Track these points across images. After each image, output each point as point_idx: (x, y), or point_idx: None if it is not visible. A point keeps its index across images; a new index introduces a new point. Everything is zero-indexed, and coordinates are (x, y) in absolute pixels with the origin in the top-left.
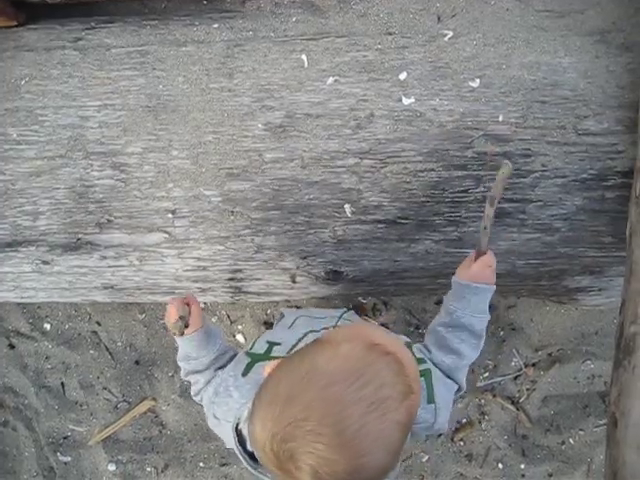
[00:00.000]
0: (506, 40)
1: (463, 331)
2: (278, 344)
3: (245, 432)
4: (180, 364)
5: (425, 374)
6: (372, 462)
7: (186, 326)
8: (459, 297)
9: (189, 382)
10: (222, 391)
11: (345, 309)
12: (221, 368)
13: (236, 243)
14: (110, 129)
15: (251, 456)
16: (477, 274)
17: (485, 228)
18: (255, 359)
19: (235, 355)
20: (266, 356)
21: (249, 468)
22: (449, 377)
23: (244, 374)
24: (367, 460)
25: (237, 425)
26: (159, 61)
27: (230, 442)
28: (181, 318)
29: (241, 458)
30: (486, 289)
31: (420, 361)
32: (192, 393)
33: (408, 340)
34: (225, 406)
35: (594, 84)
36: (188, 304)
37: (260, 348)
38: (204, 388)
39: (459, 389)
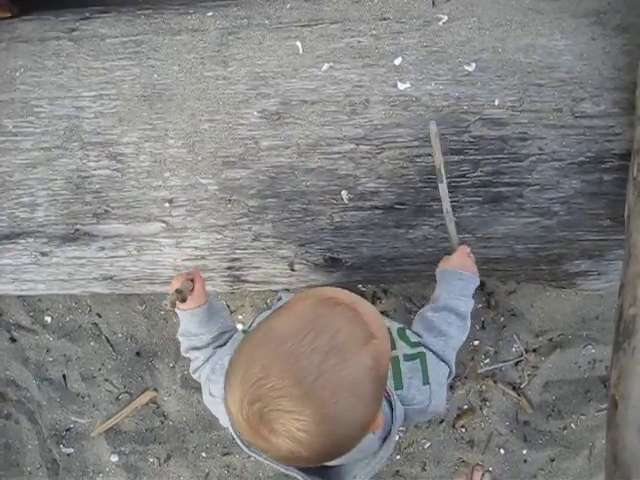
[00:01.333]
0: (501, 23)
1: (450, 313)
2: None
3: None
4: (180, 339)
5: (420, 356)
6: (342, 411)
7: (183, 300)
8: (444, 283)
9: (189, 359)
10: (218, 369)
11: None
12: (221, 346)
13: (234, 232)
14: (106, 119)
15: None
16: (459, 263)
17: (447, 212)
18: None
19: (230, 335)
20: None
21: (243, 447)
22: (442, 360)
23: None
24: (335, 408)
25: None
26: (154, 50)
27: (225, 420)
28: (178, 292)
29: (235, 436)
30: (470, 276)
31: (415, 345)
32: (191, 370)
33: (401, 325)
34: (221, 384)
35: (590, 66)
36: (192, 280)
37: None
38: (202, 366)
39: (450, 373)
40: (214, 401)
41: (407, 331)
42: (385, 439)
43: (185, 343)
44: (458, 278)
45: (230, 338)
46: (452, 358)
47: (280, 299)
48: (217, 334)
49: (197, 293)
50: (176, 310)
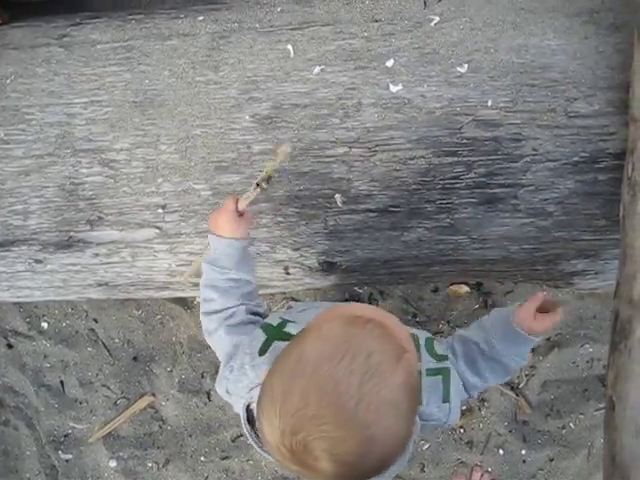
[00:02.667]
0: (493, 24)
1: (499, 365)
2: (292, 322)
3: (255, 412)
4: (203, 267)
5: (443, 373)
6: (383, 430)
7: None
8: (509, 340)
9: (203, 300)
10: (237, 368)
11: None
12: (243, 305)
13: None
14: (97, 126)
15: (258, 435)
16: (540, 328)
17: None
18: (271, 335)
19: (255, 321)
20: (279, 330)
21: (256, 447)
22: (465, 389)
23: (261, 353)
24: (377, 429)
25: (249, 405)
26: (145, 55)
27: (239, 411)
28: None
29: (249, 436)
30: (536, 340)
31: (441, 358)
32: (201, 311)
33: (430, 336)
34: (240, 383)
35: (584, 65)
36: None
37: (273, 320)
38: (216, 316)
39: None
40: (230, 397)
41: (435, 343)
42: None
43: (208, 274)
44: (525, 343)
45: (251, 299)
46: (477, 392)
47: (291, 307)
48: (241, 279)
49: (246, 221)
50: (214, 236)
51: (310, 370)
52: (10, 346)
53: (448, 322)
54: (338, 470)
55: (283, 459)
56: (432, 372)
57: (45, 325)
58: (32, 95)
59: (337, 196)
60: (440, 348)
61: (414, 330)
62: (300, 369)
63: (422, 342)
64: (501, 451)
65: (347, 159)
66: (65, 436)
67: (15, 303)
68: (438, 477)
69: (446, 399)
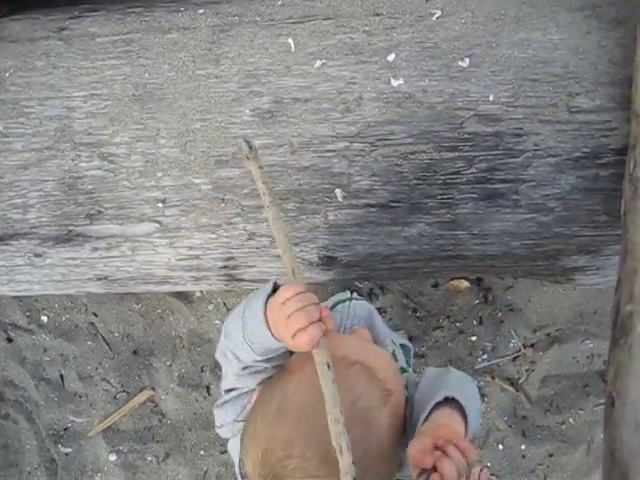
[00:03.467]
0: (495, 18)
1: None
2: None
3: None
4: (234, 334)
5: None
6: (371, 475)
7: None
8: None
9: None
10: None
11: (349, 294)
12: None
13: (228, 231)
14: (97, 119)
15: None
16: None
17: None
18: None
19: None
20: None
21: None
22: None
23: None
24: (365, 475)
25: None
26: (144, 49)
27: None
28: None
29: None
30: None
31: (402, 370)
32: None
33: (407, 344)
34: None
35: (586, 60)
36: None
37: None
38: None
39: None
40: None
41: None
42: None
43: (236, 348)
44: None
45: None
46: None
47: None
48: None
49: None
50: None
51: (293, 419)
52: (10, 340)
53: (448, 317)
54: None
55: None
56: None
57: (45, 319)
58: (31, 88)
59: (337, 191)
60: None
61: (392, 341)
62: (283, 416)
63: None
64: (500, 446)
65: (348, 154)
66: (65, 430)
67: (15, 297)
68: None
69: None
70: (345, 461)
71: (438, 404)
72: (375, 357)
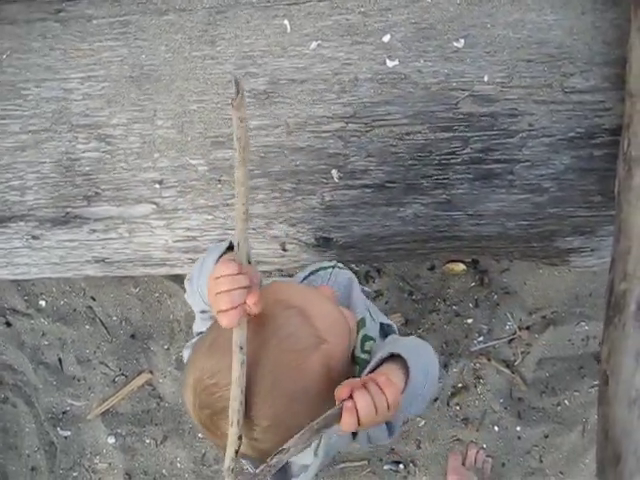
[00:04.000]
0: None
1: None
2: None
3: None
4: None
5: (360, 363)
6: (293, 417)
7: None
8: None
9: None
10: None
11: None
12: None
13: (224, 212)
14: (94, 101)
15: None
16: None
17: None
18: None
19: None
20: None
21: None
22: None
23: None
24: (286, 416)
25: None
26: (141, 31)
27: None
28: None
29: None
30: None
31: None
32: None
33: (391, 324)
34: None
35: (580, 41)
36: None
37: None
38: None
39: None
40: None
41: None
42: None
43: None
44: None
45: None
46: None
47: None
48: None
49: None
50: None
51: (222, 351)
52: (9, 324)
53: (444, 300)
54: (243, 450)
55: (198, 426)
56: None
57: (43, 303)
58: (28, 70)
59: (334, 171)
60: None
61: (368, 311)
62: (215, 349)
63: (362, 333)
64: (496, 428)
65: (343, 134)
66: (63, 413)
67: (13, 281)
68: (434, 453)
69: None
70: (233, 433)
71: (384, 360)
72: (318, 307)
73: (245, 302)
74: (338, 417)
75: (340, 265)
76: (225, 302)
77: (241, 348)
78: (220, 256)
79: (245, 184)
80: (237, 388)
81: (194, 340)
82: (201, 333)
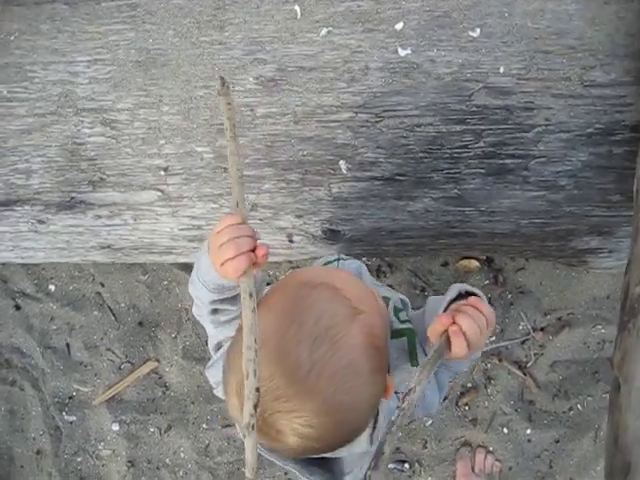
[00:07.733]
0: None
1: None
2: None
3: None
4: (205, 295)
5: (407, 333)
6: (344, 396)
7: None
8: None
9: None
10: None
11: (337, 255)
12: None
13: (230, 201)
14: (100, 85)
15: None
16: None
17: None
18: None
19: None
20: None
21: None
22: None
23: None
24: (336, 396)
25: None
26: (149, 14)
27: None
28: None
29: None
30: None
31: (404, 322)
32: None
33: (399, 305)
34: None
35: (602, 32)
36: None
37: None
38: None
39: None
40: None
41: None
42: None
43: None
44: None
45: None
46: None
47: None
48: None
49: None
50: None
51: (259, 343)
52: (18, 307)
53: None
54: (302, 443)
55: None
56: (396, 334)
57: (52, 287)
58: (36, 52)
59: (342, 162)
60: (403, 315)
61: (386, 291)
62: None
63: (392, 303)
64: (505, 430)
65: (352, 124)
66: (70, 398)
67: (22, 265)
68: (440, 454)
69: (414, 363)
70: (249, 385)
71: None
72: (343, 279)
73: (252, 251)
74: (447, 345)
75: (344, 256)
76: (231, 249)
77: (251, 295)
78: None
79: (237, 154)
80: (251, 336)
81: (220, 353)
82: (220, 348)
